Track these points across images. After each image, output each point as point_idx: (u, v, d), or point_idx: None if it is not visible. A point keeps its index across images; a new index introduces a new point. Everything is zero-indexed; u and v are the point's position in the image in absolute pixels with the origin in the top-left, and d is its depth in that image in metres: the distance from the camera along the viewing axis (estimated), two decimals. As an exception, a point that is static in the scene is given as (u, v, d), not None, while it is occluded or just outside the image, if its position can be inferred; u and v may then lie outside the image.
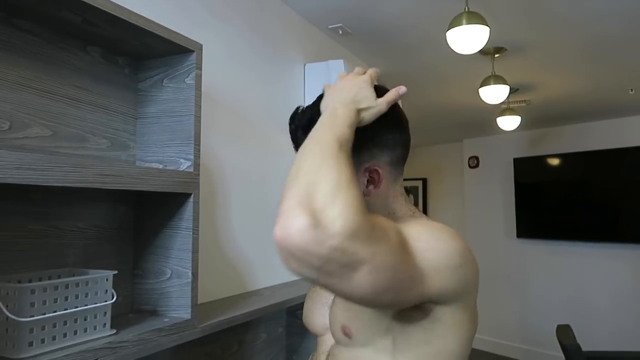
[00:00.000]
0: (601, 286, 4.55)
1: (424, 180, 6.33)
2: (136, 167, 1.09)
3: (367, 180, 0.86)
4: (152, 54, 1.26)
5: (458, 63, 2.88)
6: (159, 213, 1.23)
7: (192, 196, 1.19)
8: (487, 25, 1.84)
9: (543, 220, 4.95)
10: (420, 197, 6.30)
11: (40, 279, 0.99)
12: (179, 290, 1.19)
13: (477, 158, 5.67)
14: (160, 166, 1.23)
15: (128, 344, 0.99)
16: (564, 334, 2.66)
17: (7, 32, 1.01)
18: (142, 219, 1.26)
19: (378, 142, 0.86)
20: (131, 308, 1.24)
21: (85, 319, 0.95)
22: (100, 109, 1.20)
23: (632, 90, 3.55)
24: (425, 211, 6.23)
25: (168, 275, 1.21)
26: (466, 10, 1.87)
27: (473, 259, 0.79)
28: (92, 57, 1.18)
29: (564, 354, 2.59)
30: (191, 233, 1.18)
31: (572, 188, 4.73)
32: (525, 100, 3.79)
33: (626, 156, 4.38)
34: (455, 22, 1.85)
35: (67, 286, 0.92)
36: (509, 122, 3.40)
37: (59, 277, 1.03)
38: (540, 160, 4.98)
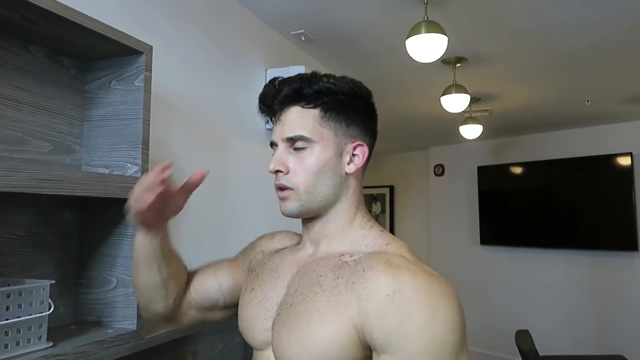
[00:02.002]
0: (560, 291, 4.66)
1: (391, 188, 6.38)
2: (78, 171, 1.05)
3: (350, 157, 0.83)
4: (100, 55, 1.22)
5: (419, 72, 2.92)
6: (104, 220, 1.19)
7: (139, 202, 1.14)
8: (446, 35, 1.86)
9: (505, 227, 5.05)
10: (388, 204, 6.34)
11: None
12: (125, 299, 1.14)
13: (442, 166, 5.75)
14: (107, 171, 1.19)
15: (65, 357, 0.94)
16: (523, 339, 2.70)
17: (-63, 28, 0.95)
18: (87, 225, 1.21)
19: (367, 128, 0.85)
20: (74, 319, 1.19)
21: (18, 332, 0.90)
22: (42, 110, 1.14)
23: (588, 101, 3.67)
24: (392, 218, 6.28)
25: (114, 285, 1.16)
26: (425, 19, 1.89)
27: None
28: (35, 57, 1.13)
29: (522, 358, 2.63)
30: (138, 240, 1.14)
31: (533, 196, 4.84)
32: (487, 110, 3.87)
33: (582, 165, 4.52)
34: (414, 31, 1.87)
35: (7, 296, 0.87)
36: (471, 131, 3.46)
37: (-7, 287, 0.97)
38: (503, 168, 5.08)
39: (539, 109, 3.94)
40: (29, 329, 0.92)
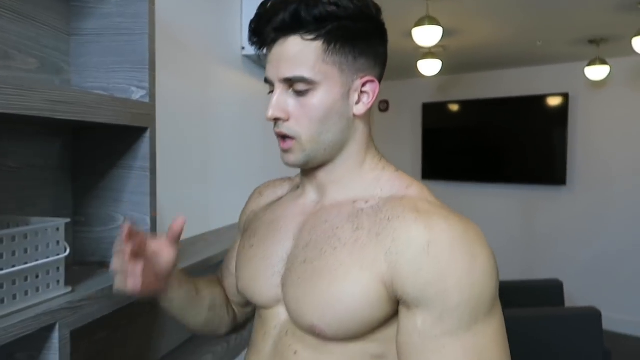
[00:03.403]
0: (498, 223, 4.99)
1: (335, 123, 6.36)
2: (90, 93, 0.90)
3: (359, 95, 0.72)
4: (90, -45, 1.03)
5: (391, 1, 2.81)
6: (104, 150, 1.05)
7: (148, 131, 1.02)
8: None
9: (446, 163, 5.25)
10: (331, 139, 6.34)
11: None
12: (135, 238, 1.04)
13: (387, 102, 5.78)
14: (105, 94, 1.04)
15: (88, 303, 0.85)
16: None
17: None
18: (82, 157, 1.07)
19: (375, 53, 0.74)
20: (73, 260, 1.07)
21: (37, 277, 0.78)
22: (28, 19, 0.96)
23: (539, 42, 3.76)
24: (335, 153, 6.30)
25: (120, 222, 1.05)
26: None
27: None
28: (14, -49, 0.92)
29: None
30: (148, 174, 1.02)
31: (473, 133, 5.04)
32: (442, 46, 3.86)
33: (522, 104, 4.72)
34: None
35: (13, 238, 0.74)
36: (430, 67, 3.46)
37: (-10, 226, 0.84)
38: (446, 106, 5.20)
39: (493, 48, 4.00)
40: (48, 273, 0.81)
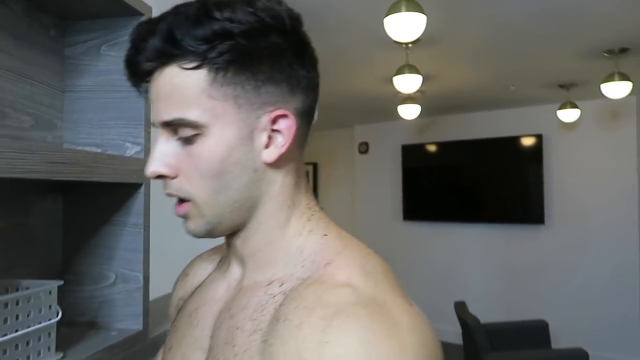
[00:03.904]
0: (475, 262, 5.02)
1: (315, 165, 6.40)
2: (86, 152, 0.89)
3: (269, 136, 0.53)
4: (86, 14, 1.04)
5: (371, 49, 2.91)
6: (97, 207, 1.04)
7: (142, 187, 1.01)
8: (425, 14, 1.85)
9: (426, 203, 5.31)
10: (311, 182, 6.36)
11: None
12: (127, 296, 1.01)
13: (367, 144, 5.86)
14: (98, 151, 1.03)
15: (81, 369, 0.81)
16: (462, 309, 2.87)
17: None
18: (73, 213, 1.05)
19: (289, 78, 0.53)
20: (61, 320, 1.03)
21: (27, 344, 0.75)
22: (23, 77, 0.96)
23: (513, 86, 3.91)
24: (315, 196, 6.30)
25: (112, 280, 1.02)
26: (403, -4, 1.87)
27: None
28: (12, 12, 0.93)
29: (462, 327, 2.80)
30: (142, 230, 1.01)
31: (452, 174, 5.14)
32: (421, 91, 3.98)
33: (498, 145, 4.86)
34: (393, 9, 1.84)
35: (5, 305, 0.72)
36: (409, 111, 3.55)
37: (-22, 291, 0.81)
38: (425, 147, 5.31)
39: (469, 92, 4.14)
40: (39, 339, 0.78)
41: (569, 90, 3.91)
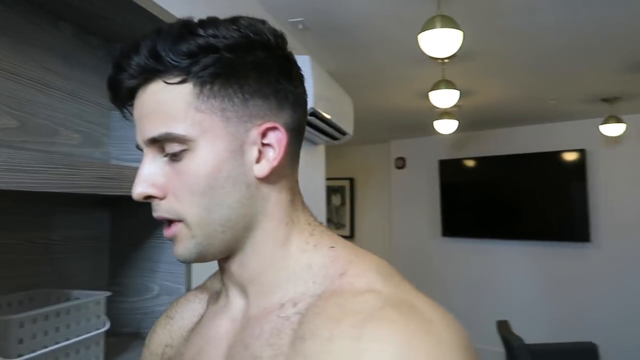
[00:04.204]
0: (516, 281, 4.86)
1: (351, 180, 6.39)
2: (131, 168, 0.92)
3: (259, 151, 0.51)
4: (131, 36, 1.09)
5: (406, 65, 2.91)
6: (141, 221, 1.07)
7: (184, 201, 1.04)
8: (460, 30, 1.85)
9: (466, 219, 5.20)
10: (348, 197, 6.35)
11: (9, 305, 0.80)
12: (169, 309, 1.03)
13: (403, 159, 5.83)
14: (144, 166, 1.07)
15: (126, 379, 0.83)
16: (505, 328, 2.78)
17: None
18: (119, 228, 1.09)
19: (276, 92, 0.52)
20: (107, 331, 1.06)
21: (77, 352, 0.78)
22: (72, 97, 1.01)
23: (552, 100, 3.82)
24: (352, 211, 6.29)
25: (155, 292, 1.05)
26: (439, 13, 1.86)
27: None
28: (64, 35, 0.99)
29: (505, 347, 2.71)
30: (184, 243, 1.03)
31: (493, 189, 5.02)
32: (458, 105, 3.94)
33: (540, 160, 4.73)
34: (428, 25, 1.84)
35: (57, 314, 0.75)
36: (446, 126, 3.51)
37: (31, 300, 0.84)
38: (463, 163, 5.23)
39: (506, 107, 4.06)
40: (88, 347, 0.80)
41: (613, 104, 3.78)
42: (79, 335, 0.78)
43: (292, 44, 0.55)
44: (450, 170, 5.30)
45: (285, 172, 0.54)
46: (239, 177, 0.50)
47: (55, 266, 0.95)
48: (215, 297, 0.63)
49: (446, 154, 5.42)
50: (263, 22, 0.53)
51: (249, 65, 0.50)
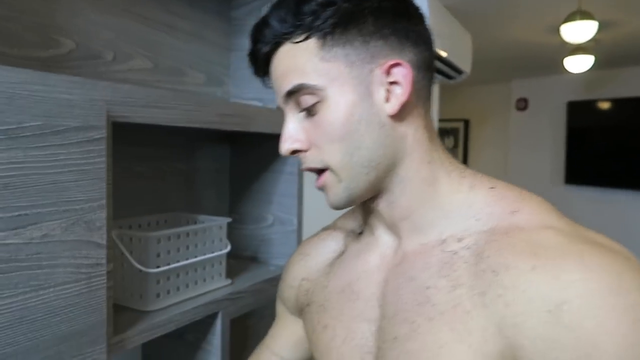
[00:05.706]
0: (651, 236, 4.43)
1: (466, 122, 6.11)
2: (249, 106, 0.99)
3: (387, 90, 0.53)
4: (249, -22, 1.13)
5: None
6: (258, 155, 1.15)
7: (297, 138, 1.09)
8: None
9: (593, 167, 4.76)
10: (462, 140, 6.11)
11: (148, 225, 0.93)
12: (283, 237, 1.12)
13: (525, 100, 5.41)
14: (260, 104, 1.13)
15: (245, 294, 0.94)
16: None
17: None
18: (239, 161, 1.18)
19: (395, 31, 0.54)
20: (228, 253, 1.19)
21: (204, 269, 0.89)
22: (196, 38, 1.08)
23: None
24: (465, 154, 6.07)
25: (270, 222, 1.14)
26: None
27: None
28: (189, -21, 1.05)
29: None
30: (296, 178, 1.10)
31: (626, 134, 4.50)
32: (595, 39, 3.51)
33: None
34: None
35: (187, 235, 0.85)
36: (579, 63, 3.16)
37: (165, 222, 0.97)
38: (597, 105, 4.72)
39: (655, 38, 3.54)
40: (212, 266, 0.91)
41: None
42: (204, 254, 0.88)
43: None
44: (580, 112, 4.82)
45: (418, 110, 0.56)
46: (371, 118, 0.53)
47: (185, 193, 1.07)
48: (352, 235, 0.68)
49: (576, 95, 4.92)
50: None
51: (365, 10, 0.52)
